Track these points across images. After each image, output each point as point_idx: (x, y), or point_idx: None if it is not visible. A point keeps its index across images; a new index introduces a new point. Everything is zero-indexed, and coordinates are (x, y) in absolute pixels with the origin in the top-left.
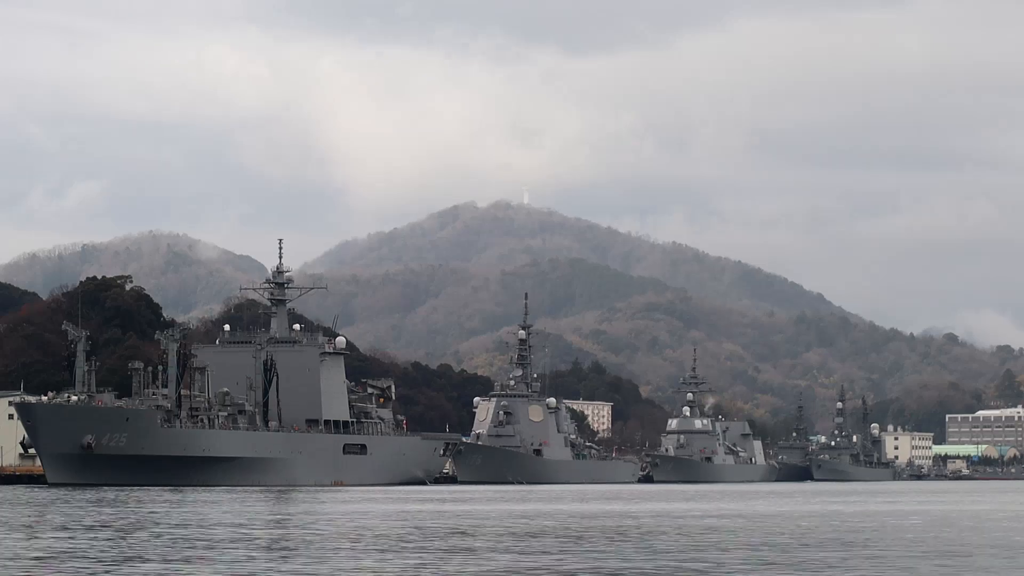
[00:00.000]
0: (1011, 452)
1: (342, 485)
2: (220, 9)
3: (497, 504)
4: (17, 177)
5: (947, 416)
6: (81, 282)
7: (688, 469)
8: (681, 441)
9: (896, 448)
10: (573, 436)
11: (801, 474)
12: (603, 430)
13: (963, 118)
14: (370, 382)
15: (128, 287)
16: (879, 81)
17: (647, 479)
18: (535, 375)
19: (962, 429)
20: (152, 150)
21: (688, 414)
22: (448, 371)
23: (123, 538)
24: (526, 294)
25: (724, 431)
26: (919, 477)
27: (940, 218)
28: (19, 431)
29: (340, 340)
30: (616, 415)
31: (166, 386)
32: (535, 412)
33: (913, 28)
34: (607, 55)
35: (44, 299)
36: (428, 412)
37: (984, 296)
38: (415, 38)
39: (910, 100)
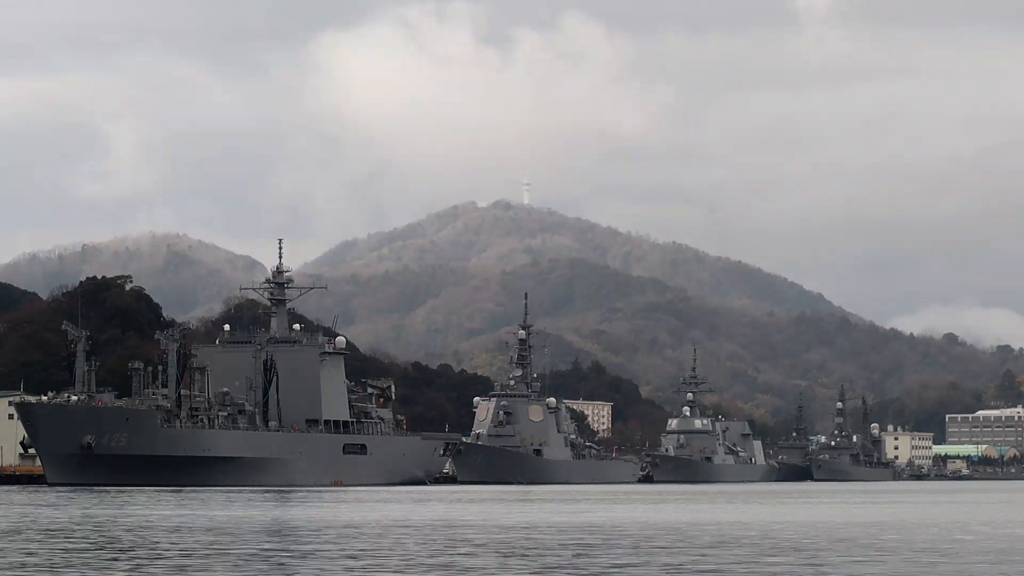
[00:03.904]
0: (1011, 452)
1: (342, 485)
2: (223, 14)
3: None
4: (17, 176)
5: (947, 416)
6: (81, 282)
7: (688, 469)
8: (681, 441)
9: (896, 448)
10: (573, 436)
11: (801, 474)
12: (603, 430)
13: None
14: (370, 382)
15: (128, 287)
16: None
17: (647, 479)
18: (535, 375)
19: (962, 429)
20: (152, 150)
21: (688, 414)
22: (448, 371)
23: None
24: (526, 294)
25: (724, 431)
26: (919, 477)
27: (940, 217)
28: (19, 431)
29: (340, 340)
30: (616, 415)
31: (166, 386)
32: (535, 412)
33: None
34: (605, 53)
35: (44, 299)
36: (428, 412)
37: (984, 295)
38: (414, 38)
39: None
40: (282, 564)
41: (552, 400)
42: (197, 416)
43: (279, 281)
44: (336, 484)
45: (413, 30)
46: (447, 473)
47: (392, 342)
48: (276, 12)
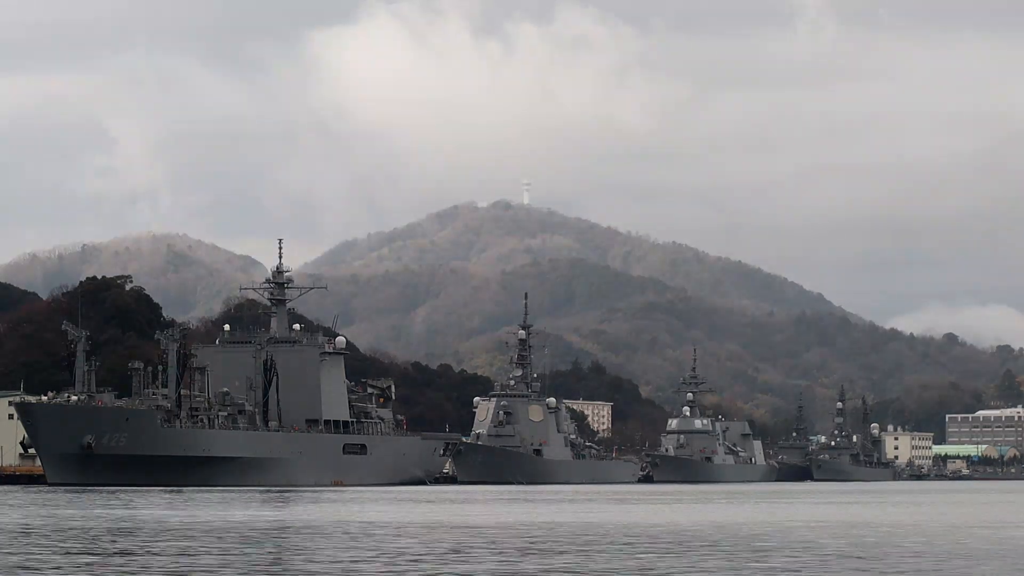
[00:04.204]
0: (1011, 452)
1: (342, 485)
2: (222, 13)
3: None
4: (17, 176)
5: (947, 416)
6: (81, 282)
7: (688, 469)
8: (681, 441)
9: (896, 448)
10: (573, 436)
11: (801, 474)
12: (603, 430)
13: None
14: (370, 382)
15: (128, 287)
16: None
17: (647, 479)
18: (535, 375)
19: (962, 429)
20: (152, 149)
21: (688, 414)
22: (448, 371)
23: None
24: (526, 294)
25: (724, 431)
26: (919, 477)
27: (940, 217)
28: (19, 431)
29: (340, 340)
30: (616, 415)
31: (166, 386)
32: (535, 412)
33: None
34: (604, 53)
35: (44, 299)
36: (428, 412)
37: (984, 295)
38: (413, 36)
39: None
40: (276, 565)
41: (552, 400)
42: (197, 416)
43: (279, 281)
44: (336, 484)
45: (412, 30)
46: (447, 473)
47: (392, 342)
48: (275, 11)
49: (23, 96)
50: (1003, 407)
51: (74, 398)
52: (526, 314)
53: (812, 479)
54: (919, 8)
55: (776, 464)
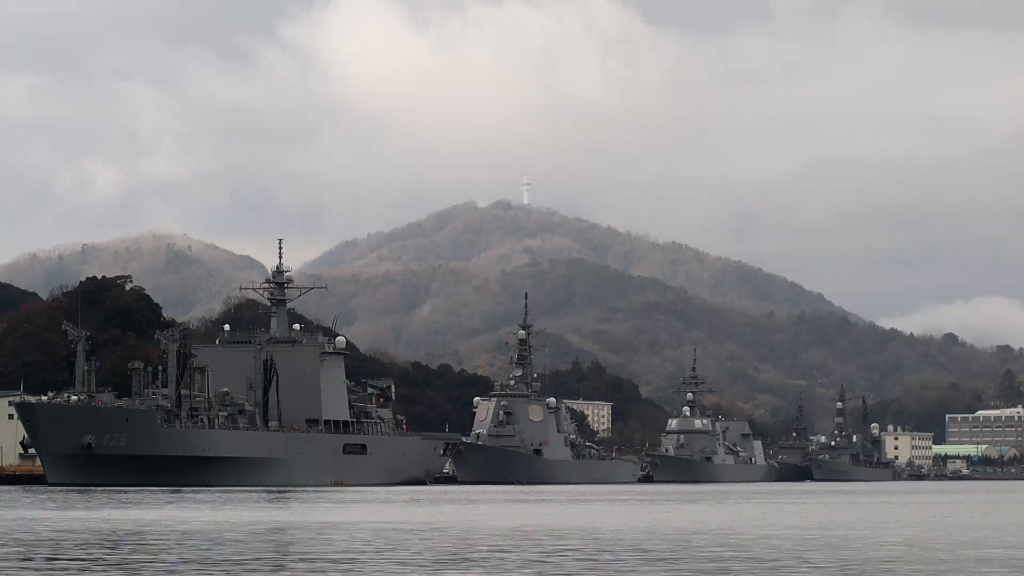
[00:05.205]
0: (1011, 452)
1: (342, 485)
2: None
3: None
4: (16, 176)
5: (947, 416)
6: (81, 282)
7: (688, 469)
8: (681, 441)
9: (896, 448)
10: (573, 436)
11: (801, 474)
12: (603, 430)
13: None
14: (370, 382)
15: (128, 287)
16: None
17: (647, 479)
18: (535, 375)
19: (962, 429)
20: (152, 150)
21: (688, 414)
22: (448, 371)
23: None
24: (526, 294)
25: (724, 431)
26: (919, 477)
27: (940, 217)
28: (19, 431)
29: (340, 340)
30: (616, 415)
31: (166, 386)
32: (535, 412)
33: None
34: (604, 52)
35: (44, 299)
36: (428, 412)
37: (984, 295)
38: (415, 37)
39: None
40: (274, 567)
41: (552, 400)
42: (197, 416)
43: (279, 281)
44: (336, 484)
45: (410, 30)
46: (447, 473)
47: (392, 342)
48: (270, 8)
49: (22, 94)
50: (1003, 407)
51: (74, 398)
52: (526, 314)
53: (812, 479)
54: (918, 7)
55: (776, 464)
